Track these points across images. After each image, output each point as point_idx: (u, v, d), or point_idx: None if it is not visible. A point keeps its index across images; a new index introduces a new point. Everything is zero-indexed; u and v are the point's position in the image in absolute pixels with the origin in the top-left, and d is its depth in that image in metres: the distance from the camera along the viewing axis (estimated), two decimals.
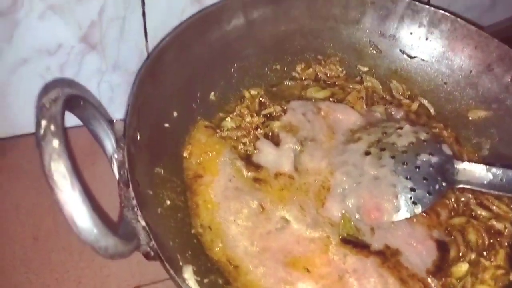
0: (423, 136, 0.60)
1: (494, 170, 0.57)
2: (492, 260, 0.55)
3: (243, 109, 0.65)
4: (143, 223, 0.43)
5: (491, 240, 0.56)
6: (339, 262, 0.51)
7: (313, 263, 0.51)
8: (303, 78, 0.70)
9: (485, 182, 0.57)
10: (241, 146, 0.61)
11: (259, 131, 0.63)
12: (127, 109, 0.52)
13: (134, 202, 0.44)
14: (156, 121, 0.58)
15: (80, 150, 0.66)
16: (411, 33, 0.70)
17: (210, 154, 0.60)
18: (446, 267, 0.54)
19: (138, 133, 0.53)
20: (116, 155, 0.48)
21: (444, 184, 0.57)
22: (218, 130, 0.62)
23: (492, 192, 0.58)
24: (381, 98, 0.69)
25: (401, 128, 0.61)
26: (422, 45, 0.70)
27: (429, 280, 0.53)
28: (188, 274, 0.46)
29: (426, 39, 0.70)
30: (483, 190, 0.58)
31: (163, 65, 0.59)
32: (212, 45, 0.64)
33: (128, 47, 0.66)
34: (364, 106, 0.67)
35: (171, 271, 0.41)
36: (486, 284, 0.53)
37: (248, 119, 0.64)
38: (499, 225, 0.57)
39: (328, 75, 0.71)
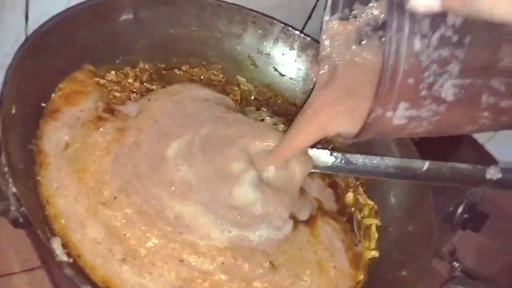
0: (280, 128, 0.70)
1: (335, 153, 0.67)
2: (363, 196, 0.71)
3: (130, 72, 0.67)
4: (13, 189, 0.43)
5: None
6: None
7: None
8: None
9: (329, 164, 0.66)
10: (111, 96, 0.63)
11: (134, 95, 0.65)
12: (4, 80, 0.52)
13: (6, 169, 0.44)
14: (34, 99, 0.57)
15: None
16: (283, 54, 0.80)
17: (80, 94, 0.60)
18: (340, 202, 0.69)
19: (13, 107, 0.52)
20: None
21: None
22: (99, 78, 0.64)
23: (335, 173, 0.69)
24: (254, 99, 0.78)
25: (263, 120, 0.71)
26: (291, 66, 0.80)
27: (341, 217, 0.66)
28: (57, 244, 0.46)
29: (295, 61, 0.80)
30: (328, 172, 0.68)
31: (46, 47, 0.59)
32: (99, 35, 0.66)
33: (4, 28, 0.63)
34: (238, 106, 0.74)
35: (41, 235, 0.41)
36: (370, 217, 0.69)
37: (130, 80, 0.66)
38: None
39: (210, 78, 0.77)
